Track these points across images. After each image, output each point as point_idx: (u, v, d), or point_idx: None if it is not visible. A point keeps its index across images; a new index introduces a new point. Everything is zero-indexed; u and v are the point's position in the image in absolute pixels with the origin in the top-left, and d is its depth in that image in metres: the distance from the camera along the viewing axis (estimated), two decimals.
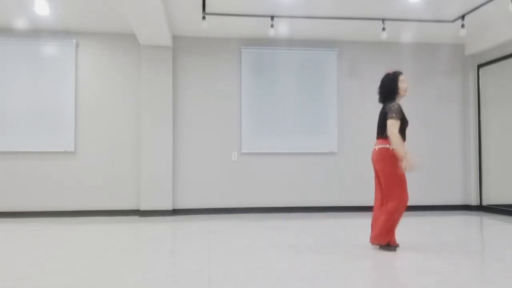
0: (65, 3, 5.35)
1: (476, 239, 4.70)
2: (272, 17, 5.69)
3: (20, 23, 6.01)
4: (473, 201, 6.88)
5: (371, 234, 3.86)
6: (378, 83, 6.96)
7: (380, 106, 4.01)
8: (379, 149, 3.80)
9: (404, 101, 6.82)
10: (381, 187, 3.84)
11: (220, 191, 6.51)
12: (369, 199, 6.70)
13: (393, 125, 3.70)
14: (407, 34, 6.53)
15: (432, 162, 6.91)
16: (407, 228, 5.15)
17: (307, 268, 3.21)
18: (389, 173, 3.74)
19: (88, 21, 5.97)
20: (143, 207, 6.26)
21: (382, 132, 3.80)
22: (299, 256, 3.61)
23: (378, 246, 3.84)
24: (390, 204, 3.73)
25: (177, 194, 6.43)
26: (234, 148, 6.58)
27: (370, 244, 3.89)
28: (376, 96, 6.89)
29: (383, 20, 5.86)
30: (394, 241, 3.82)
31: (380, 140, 3.81)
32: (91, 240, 4.44)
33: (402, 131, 3.78)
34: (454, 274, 3.03)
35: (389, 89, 3.89)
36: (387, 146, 3.75)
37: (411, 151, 6.80)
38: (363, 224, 5.33)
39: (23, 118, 6.20)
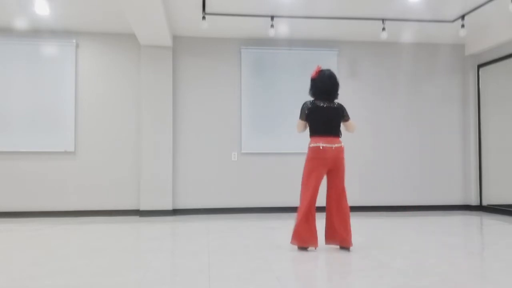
0: (65, 3, 5.35)
1: (476, 239, 4.70)
2: (272, 17, 5.69)
3: (20, 23, 6.01)
4: (473, 201, 6.87)
5: (347, 236, 3.77)
6: (378, 84, 7.04)
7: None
8: (342, 147, 3.97)
9: (404, 101, 6.90)
10: (335, 185, 4.03)
11: (220, 191, 6.51)
12: (368, 198, 6.73)
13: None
14: (407, 34, 6.53)
15: (432, 162, 6.91)
16: (407, 228, 5.16)
17: (307, 268, 3.21)
18: (344, 170, 4.00)
19: (88, 21, 5.97)
20: (143, 207, 6.26)
21: (338, 131, 3.98)
22: (299, 256, 3.61)
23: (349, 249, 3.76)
24: (346, 202, 3.97)
25: (177, 194, 6.43)
26: (234, 148, 6.58)
27: (347, 248, 3.75)
28: (374, 96, 6.97)
29: (383, 20, 5.86)
30: None
31: (337, 139, 3.97)
32: (91, 240, 4.44)
33: None
34: (454, 274, 3.03)
35: (338, 87, 4.06)
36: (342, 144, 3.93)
37: (411, 150, 6.88)
38: (363, 224, 5.33)
39: (23, 118, 6.20)
